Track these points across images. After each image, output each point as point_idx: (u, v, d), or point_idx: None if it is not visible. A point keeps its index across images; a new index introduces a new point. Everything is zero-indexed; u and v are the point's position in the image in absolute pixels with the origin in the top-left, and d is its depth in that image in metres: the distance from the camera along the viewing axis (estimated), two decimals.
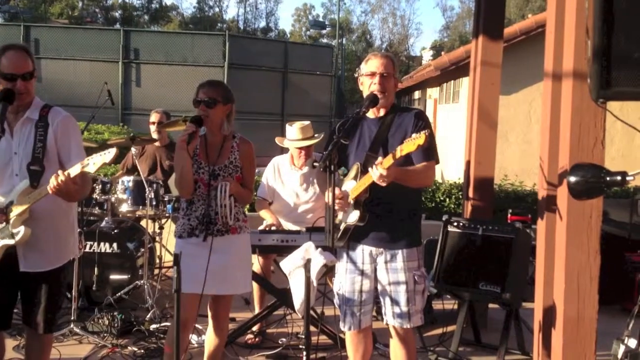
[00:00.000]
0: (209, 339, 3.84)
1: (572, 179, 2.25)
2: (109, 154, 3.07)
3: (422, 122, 3.41)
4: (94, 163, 3.05)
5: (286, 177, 5.23)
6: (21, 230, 3.17)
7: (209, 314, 3.81)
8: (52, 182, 3.01)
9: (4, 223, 3.17)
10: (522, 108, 12.39)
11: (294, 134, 5.13)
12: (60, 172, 3.03)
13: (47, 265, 3.28)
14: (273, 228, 4.96)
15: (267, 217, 5.19)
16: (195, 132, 3.48)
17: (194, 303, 3.55)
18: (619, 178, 2.16)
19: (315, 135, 5.20)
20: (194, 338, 4.57)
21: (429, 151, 3.31)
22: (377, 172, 3.05)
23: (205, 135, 3.65)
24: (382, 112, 3.49)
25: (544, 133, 3.48)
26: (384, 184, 3.11)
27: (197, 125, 3.49)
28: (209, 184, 3.58)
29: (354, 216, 3.33)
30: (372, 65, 3.46)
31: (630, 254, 5.81)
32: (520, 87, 12.09)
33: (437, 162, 3.44)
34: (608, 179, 2.18)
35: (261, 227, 5.09)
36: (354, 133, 3.49)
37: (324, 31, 51.47)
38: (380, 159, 3.09)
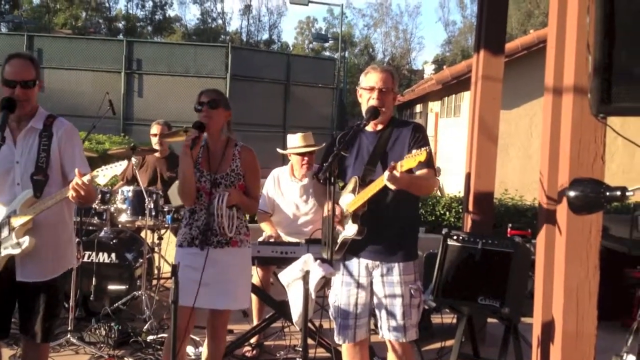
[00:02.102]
0: (206, 353, 3.81)
1: (572, 193, 2.25)
2: (120, 166, 3.08)
3: (419, 135, 3.42)
4: (105, 175, 3.06)
5: (286, 189, 5.23)
6: (26, 241, 3.16)
7: (207, 327, 3.78)
8: (75, 183, 2.99)
9: (8, 233, 3.17)
10: (523, 122, 12.41)
11: (297, 141, 5.14)
12: (78, 174, 3.00)
13: (45, 276, 3.27)
14: (272, 240, 4.95)
15: (266, 229, 5.18)
16: (199, 137, 3.47)
17: (189, 315, 3.53)
18: (618, 193, 2.16)
19: (317, 144, 5.20)
20: (190, 350, 4.55)
21: (428, 161, 3.32)
22: (393, 174, 3.02)
23: (206, 144, 3.64)
24: (380, 126, 3.49)
25: (544, 148, 3.48)
26: (393, 187, 3.09)
27: (199, 130, 3.48)
28: (210, 193, 3.57)
29: (352, 229, 3.33)
30: (371, 79, 3.46)
31: (630, 270, 5.79)
32: (522, 101, 12.12)
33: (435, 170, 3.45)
34: (608, 194, 2.18)
35: (260, 239, 5.08)
36: (352, 146, 3.49)
37: (326, 44, 51.57)
38: (399, 162, 3.06)
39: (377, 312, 3.49)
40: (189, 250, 3.58)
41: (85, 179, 3.02)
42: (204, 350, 3.84)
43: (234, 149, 3.68)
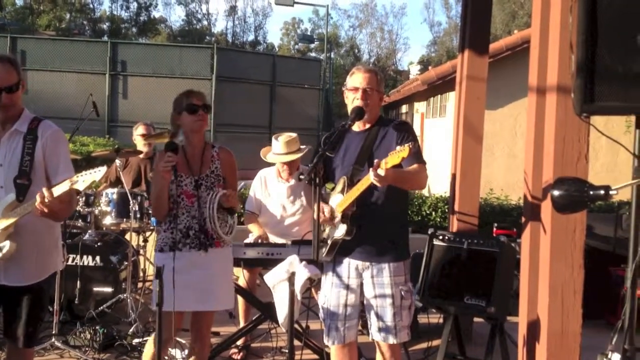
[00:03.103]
0: (191, 356, 3.77)
1: (556, 192, 2.26)
2: (99, 172, 3.02)
3: (405, 133, 3.41)
4: (84, 181, 2.99)
5: (273, 190, 5.21)
6: (6, 245, 3.11)
7: (191, 329, 3.75)
8: (37, 201, 2.93)
9: None
10: (508, 122, 12.48)
11: (279, 148, 5.10)
12: (45, 190, 2.94)
13: (29, 280, 3.22)
14: (260, 241, 4.93)
15: (254, 230, 5.16)
16: (177, 162, 3.42)
17: (174, 319, 3.49)
18: (602, 192, 2.17)
19: (302, 147, 5.17)
20: (177, 353, 4.52)
21: (417, 155, 3.32)
22: (377, 172, 3.01)
23: (184, 148, 3.60)
24: (367, 125, 3.49)
25: (529, 147, 3.50)
26: (379, 185, 3.09)
27: (174, 152, 3.42)
28: (193, 195, 3.54)
29: (341, 230, 3.32)
30: (355, 80, 3.46)
31: (615, 269, 5.82)
32: (506, 101, 12.19)
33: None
34: (591, 193, 2.19)
35: (247, 240, 5.07)
36: (340, 146, 3.49)
37: (312, 45, 51.62)
38: (383, 160, 3.05)
39: (367, 313, 3.49)
40: (170, 254, 3.52)
41: (65, 185, 2.97)
42: (188, 354, 3.80)
43: (212, 151, 3.66)
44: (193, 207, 3.54)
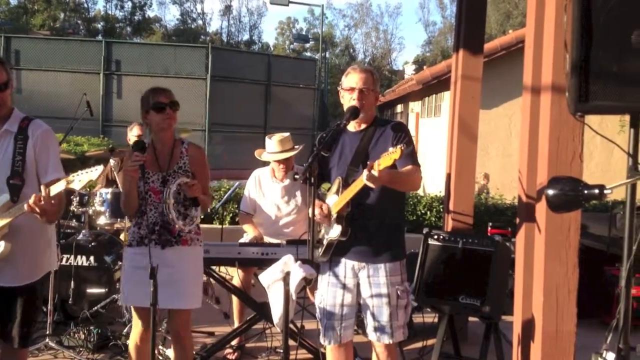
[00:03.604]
0: (173, 356, 3.71)
1: (550, 192, 2.26)
2: (96, 171, 3.02)
3: (401, 133, 3.41)
4: (80, 180, 2.99)
5: (267, 190, 5.20)
6: (1, 245, 3.10)
7: (170, 329, 3.68)
8: (31, 202, 2.92)
9: None
10: (503, 122, 12.51)
11: (273, 146, 5.10)
12: (43, 188, 2.94)
13: (22, 280, 3.21)
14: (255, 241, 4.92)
15: (249, 231, 5.15)
16: (145, 161, 3.40)
17: (148, 315, 3.45)
18: (596, 191, 2.17)
19: (295, 146, 5.17)
20: (169, 353, 4.50)
21: (412, 156, 3.32)
22: (370, 174, 2.99)
23: (153, 145, 3.58)
24: (363, 126, 3.49)
25: (523, 146, 3.50)
26: (373, 186, 3.08)
27: (142, 151, 3.40)
28: (161, 192, 3.52)
29: (336, 231, 3.32)
30: (351, 80, 3.45)
31: (609, 268, 5.84)
32: (501, 101, 12.21)
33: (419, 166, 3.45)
34: (586, 192, 2.18)
35: (242, 240, 5.06)
36: (335, 146, 3.49)
37: (307, 45, 51.64)
38: (376, 161, 3.04)
39: (363, 313, 3.49)
40: (137, 250, 3.52)
41: (61, 185, 2.97)
42: (171, 353, 3.74)
43: (181, 147, 3.64)
44: (160, 203, 3.53)
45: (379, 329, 3.42)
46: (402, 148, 2.94)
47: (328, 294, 3.52)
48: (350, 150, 3.47)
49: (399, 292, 3.43)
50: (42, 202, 2.92)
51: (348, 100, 3.45)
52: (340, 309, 3.49)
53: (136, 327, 3.63)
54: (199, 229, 3.72)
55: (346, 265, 3.47)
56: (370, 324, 3.45)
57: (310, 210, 3.16)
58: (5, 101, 3.17)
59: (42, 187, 2.96)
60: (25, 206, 2.96)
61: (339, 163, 3.48)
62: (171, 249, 3.53)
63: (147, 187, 3.52)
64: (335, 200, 3.34)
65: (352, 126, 3.49)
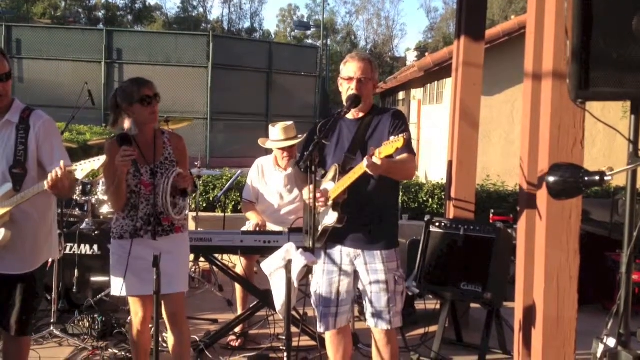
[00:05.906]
0: (172, 340, 3.70)
1: (551, 178, 2.26)
2: (98, 161, 3.05)
3: (399, 121, 3.42)
4: (82, 169, 3.03)
5: (270, 178, 5.21)
6: (1, 233, 3.13)
7: (165, 316, 3.64)
8: (52, 176, 2.98)
9: None
10: (505, 108, 12.46)
11: (277, 134, 5.11)
12: (62, 164, 2.99)
13: (22, 269, 3.25)
14: (258, 229, 4.93)
15: (252, 218, 5.17)
16: (134, 154, 3.39)
17: (149, 303, 3.53)
18: (597, 178, 2.17)
19: (299, 135, 5.18)
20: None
21: (408, 146, 3.32)
22: (372, 161, 3.00)
23: (135, 137, 3.54)
24: (361, 114, 3.50)
25: (525, 133, 3.50)
26: (373, 174, 3.10)
27: (128, 144, 3.38)
28: (151, 184, 3.52)
29: (332, 218, 3.33)
30: (350, 69, 3.45)
31: (611, 254, 5.85)
32: (503, 87, 12.16)
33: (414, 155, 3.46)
34: (587, 178, 2.19)
35: (245, 228, 5.07)
36: (332, 134, 3.49)
37: (308, 32, 51.45)
38: (378, 149, 3.05)
39: (363, 299, 3.51)
40: (130, 242, 3.51)
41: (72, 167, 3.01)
42: (168, 337, 3.76)
43: (163, 138, 3.64)
44: (150, 195, 3.53)
45: (377, 314, 3.44)
46: (405, 137, 2.95)
47: (323, 281, 3.54)
48: (347, 138, 3.47)
49: (396, 277, 3.46)
50: (62, 176, 2.97)
51: (347, 89, 3.45)
52: (337, 296, 3.52)
53: (136, 316, 3.65)
54: (186, 216, 3.77)
55: (342, 252, 3.49)
56: (369, 310, 3.47)
57: (308, 197, 3.16)
58: (7, 92, 3.19)
59: (62, 164, 3.00)
60: (46, 183, 3.01)
61: (336, 150, 3.48)
62: (167, 237, 3.55)
63: (137, 181, 3.52)
64: (331, 187, 3.35)
65: (350, 114, 3.49)
